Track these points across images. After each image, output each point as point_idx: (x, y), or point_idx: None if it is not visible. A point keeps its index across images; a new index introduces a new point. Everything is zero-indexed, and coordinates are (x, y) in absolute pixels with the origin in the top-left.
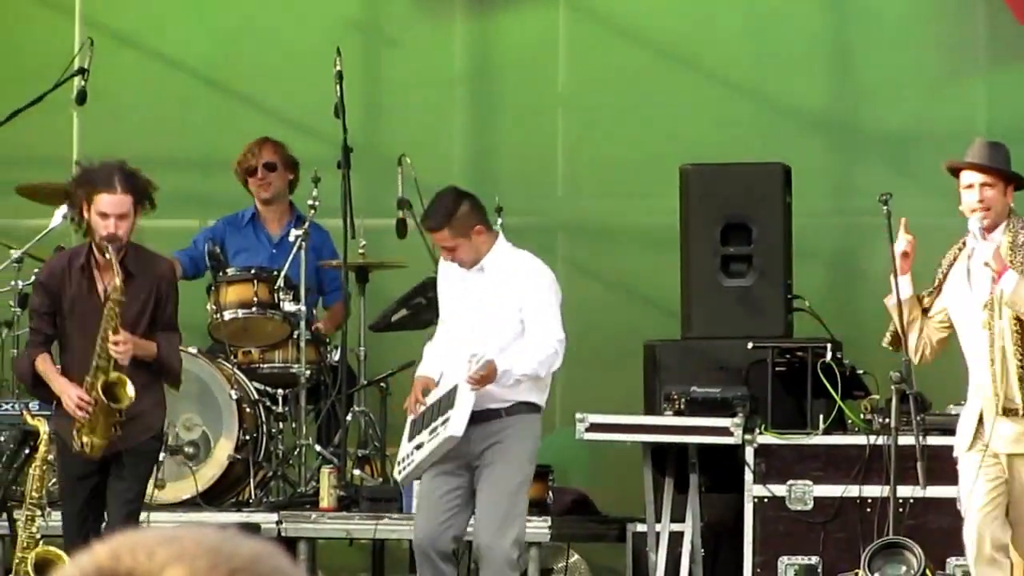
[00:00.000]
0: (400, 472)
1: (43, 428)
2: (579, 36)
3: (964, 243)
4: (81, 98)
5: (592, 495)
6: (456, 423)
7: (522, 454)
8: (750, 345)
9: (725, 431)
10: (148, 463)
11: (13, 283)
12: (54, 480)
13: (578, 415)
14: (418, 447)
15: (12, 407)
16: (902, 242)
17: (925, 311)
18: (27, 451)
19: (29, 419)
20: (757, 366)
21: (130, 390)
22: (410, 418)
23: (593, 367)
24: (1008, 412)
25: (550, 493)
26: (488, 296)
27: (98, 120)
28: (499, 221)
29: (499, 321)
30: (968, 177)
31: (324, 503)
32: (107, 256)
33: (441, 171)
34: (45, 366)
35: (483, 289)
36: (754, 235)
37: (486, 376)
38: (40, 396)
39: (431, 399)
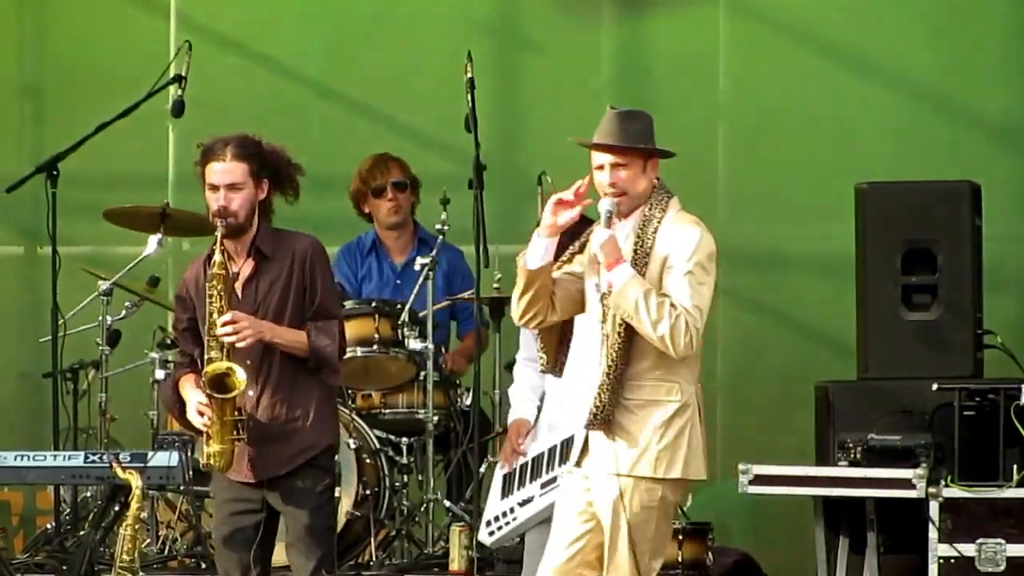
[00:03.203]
0: (492, 533)
1: (135, 482)
2: (742, 38)
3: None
4: (178, 109)
5: (757, 556)
6: None
7: None
8: (935, 386)
9: (907, 483)
10: (321, 484)
11: (101, 319)
12: (148, 541)
13: (741, 466)
14: (524, 503)
15: (100, 459)
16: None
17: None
18: (117, 508)
19: (119, 472)
20: (943, 410)
21: (240, 375)
22: (501, 470)
23: (758, 411)
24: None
25: (709, 554)
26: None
27: (197, 134)
28: None
29: None
30: (598, 158)
31: (454, 566)
32: (218, 234)
33: None
34: (186, 388)
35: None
36: (939, 263)
37: None
38: (190, 426)
39: (537, 447)
